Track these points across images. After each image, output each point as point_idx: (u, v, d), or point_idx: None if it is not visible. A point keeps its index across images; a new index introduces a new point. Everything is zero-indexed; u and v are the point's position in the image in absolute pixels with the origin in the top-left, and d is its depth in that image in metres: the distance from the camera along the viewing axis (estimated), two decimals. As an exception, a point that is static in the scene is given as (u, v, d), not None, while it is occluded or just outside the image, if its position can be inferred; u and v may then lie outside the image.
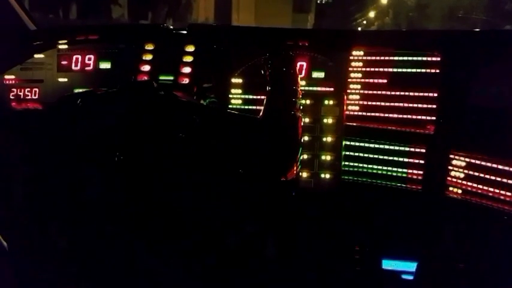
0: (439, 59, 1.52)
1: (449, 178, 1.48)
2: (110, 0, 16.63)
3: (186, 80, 1.72)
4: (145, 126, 1.09)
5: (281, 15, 26.25)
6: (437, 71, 1.52)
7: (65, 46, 1.90)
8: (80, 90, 1.82)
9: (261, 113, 1.11)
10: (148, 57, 1.77)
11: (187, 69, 1.73)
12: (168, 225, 1.14)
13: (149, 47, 1.78)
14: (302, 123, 1.12)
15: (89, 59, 1.87)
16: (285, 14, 27.45)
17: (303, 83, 1.65)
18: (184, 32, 1.82)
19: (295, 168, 1.05)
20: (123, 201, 1.14)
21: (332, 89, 1.65)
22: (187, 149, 1.06)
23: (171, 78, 1.73)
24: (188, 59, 1.74)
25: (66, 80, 1.89)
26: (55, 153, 1.16)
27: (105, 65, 1.86)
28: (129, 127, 1.09)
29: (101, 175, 1.12)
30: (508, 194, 1.36)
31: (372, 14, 31.08)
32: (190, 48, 1.75)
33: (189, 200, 1.10)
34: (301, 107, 1.16)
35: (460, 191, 1.46)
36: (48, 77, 1.91)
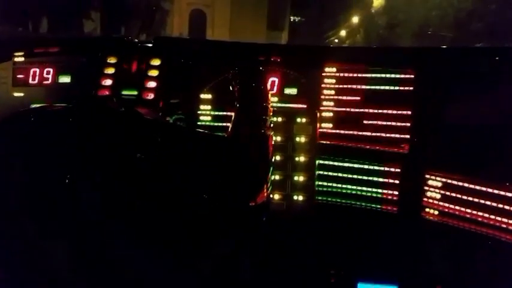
0: (412, 76, 1.49)
1: (425, 199, 1.43)
2: (82, 14, 16.43)
3: (151, 95, 1.63)
4: (101, 145, 0.99)
5: (255, 32, 26.68)
6: (411, 88, 1.49)
7: (22, 59, 1.78)
8: (37, 105, 1.71)
9: (228, 132, 1.03)
10: (111, 71, 1.67)
11: (152, 84, 1.64)
12: (124, 253, 1.03)
13: (112, 60, 1.69)
14: (273, 142, 1.04)
15: (48, 73, 1.76)
16: (259, 31, 27.92)
17: (275, 99, 1.58)
18: (150, 45, 1.74)
19: (265, 191, 0.97)
20: (76, 227, 1.03)
21: (305, 106, 1.59)
22: (146, 171, 0.97)
23: (135, 93, 1.63)
24: (153, 73, 1.65)
25: (22, 94, 1.77)
26: (3, 172, 1.05)
27: (65, 79, 1.75)
28: (84, 146, 0.99)
29: (52, 198, 1.01)
30: (486, 215, 1.32)
31: (343, 33, 31.89)
32: (156, 62, 1.66)
33: (148, 225, 1.00)
34: (272, 125, 1.09)
35: (436, 212, 1.42)
36: (3, 91, 1.78)
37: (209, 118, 1.63)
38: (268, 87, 1.52)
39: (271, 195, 1.38)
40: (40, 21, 15.90)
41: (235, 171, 0.95)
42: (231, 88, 1.19)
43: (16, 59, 1.79)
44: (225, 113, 1.62)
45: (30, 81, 1.77)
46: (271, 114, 1.09)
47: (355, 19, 27.99)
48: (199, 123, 1.63)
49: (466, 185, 1.36)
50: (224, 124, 1.62)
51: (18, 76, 1.78)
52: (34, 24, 15.73)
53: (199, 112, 1.64)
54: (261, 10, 28.60)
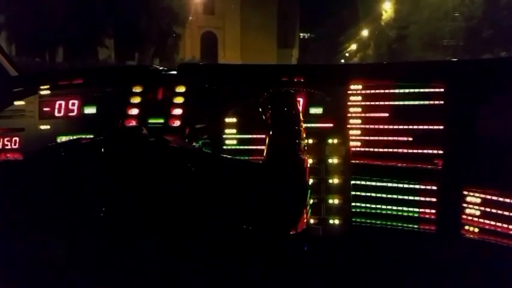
0: (443, 90, 1.45)
1: (464, 216, 1.38)
2: (96, 42, 16.83)
3: (177, 122, 1.62)
4: (135, 177, 0.98)
5: (266, 51, 27.00)
6: (442, 102, 1.45)
7: (47, 92, 1.79)
8: (64, 138, 1.72)
9: (263, 158, 1.00)
10: (137, 100, 1.67)
11: (178, 111, 1.63)
12: (160, 282, 1.01)
13: (137, 89, 1.69)
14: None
15: (73, 104, 1.76)
16: (269, 49, 28.25)
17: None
18: (174, 72, 1.74)
19: (305, 217, 0.93)
20: (112, 259, 1.01)
21: (331, 125, 1.56)
22: (182, 202, 0.95)
23: (162, 121, 1.63)
24: (179, 100, 1.65)
25: (48, 127, 1.77)
26: (37, 208, 1.04)
27: (91, 110, 1.75)
28: (118, 179, 0.98)
29: (87, 231, 1.00)
30: (531, 231, 1.26)
31: (354, 47, 31.98)
32: (181, 89, 1.66)
33: (185, 258, 0.98)
34: (306, 148, 1.06)
35: (476, 230, 1.36)
36: (30, 125, 1.79)
37: (235, 142, 1.62)
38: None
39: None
40: (56, 50, 16.34)
41: (274, 199, 0.92)
42: (260, 111, 1.17)
43: (41, 92, 1.80)
44: (250, 136, 1.60)
45: (56, 113, 1.78)
46: (304, 136, 1.07)
47: (364, 32, 28.08)
48: (224, 147, 1.62)
49: (507, 200, 1.30)
50: (250, 147, 1.60)
51: (44, 109, 1.79)
52: (50, 54, 16.17)
53: (224, 136, 1.62)
54: (271, 29, 28.95)
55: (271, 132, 1.05)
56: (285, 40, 30.85)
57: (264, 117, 1.14)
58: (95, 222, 0.98)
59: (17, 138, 1.79)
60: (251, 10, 27.05)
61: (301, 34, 35.33)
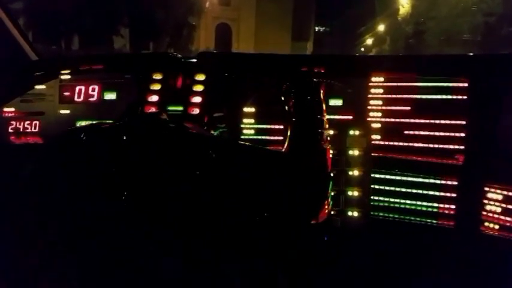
0: (466, 84, 1.43)
1: (484, 213, 1.36)
2: (112, 31, 16.91)
3: (196, 110, 1.62)
4: (156, 163, 0.98)
5: (280, 43, 26.81)
6: (465, 97, 1.43)
7: (68, 76, 1.81)
8: (83, 123, 1.73)
9: (285, 146, 1.00)
10: (157, 87, 1.67)
11: (197, 99, 1.63)
12: (180, 267, 1.02)
13: (157, 76, 1.69)
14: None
15: (93, 90, 1.77)
16: (284, 42, 28.04)
17: None
18: (194, 60, 1.74)
19: (326, 208, 0.93)
20: (131, 245, 1.02)
21: (351, 117, 1.55)
22: (203, 189, 0.95)
23: (181, 108, 1.63)
24: (198, 88, 1.65)
25: (68, 112, 1.79)
26: (56, 192, 1.05)
27: (110, 96, 1.76)
28: (138, 164, 0.98)
29: (107, 216, 1.00)
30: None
31: (369, 41, 31.57)
32: (201, 77, 1.66)
33: (204, 244, 0.98)
34: (328, 138, 1.05)
35: (497, 227, 1.34)
36: (50, 109, 1.80)
37: (253, 131, 1.61)
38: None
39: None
40: (72, 38, 16.45)
41: (296, 188, 0.91)
42: (283, 100, 1.16)
43: (62, 77, 1.81)
44: (268, 126, 1.60)
45: (76, 98, 1.79)
46: (327, 126, 1.06)
47: (381, 27, 27.70)
48: (242, 136, 1.61)
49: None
50: (268, 137, 1.60)
51: (64, 93, 1.80)
52: (66, 42, 16.29)
53: (243, 126, 1.62)
54: (286, 21, 28.73)
55: (293, 121, 1.04)
56: (300, 33, 30.61)
57: (286, 106, 1.14)
58: (114, 208, 0.99)
59: (37, 122, 1.81)
60: (267, 2, 26.88)
61: (316, 27, 35.01)
